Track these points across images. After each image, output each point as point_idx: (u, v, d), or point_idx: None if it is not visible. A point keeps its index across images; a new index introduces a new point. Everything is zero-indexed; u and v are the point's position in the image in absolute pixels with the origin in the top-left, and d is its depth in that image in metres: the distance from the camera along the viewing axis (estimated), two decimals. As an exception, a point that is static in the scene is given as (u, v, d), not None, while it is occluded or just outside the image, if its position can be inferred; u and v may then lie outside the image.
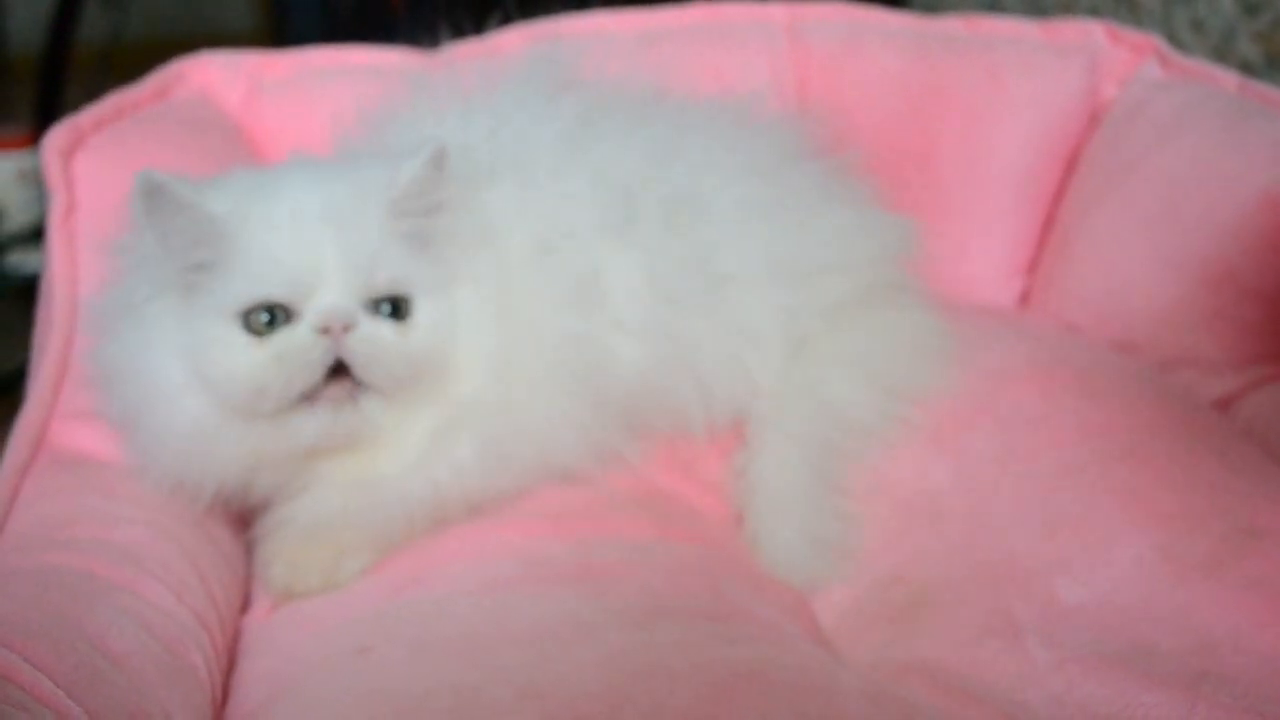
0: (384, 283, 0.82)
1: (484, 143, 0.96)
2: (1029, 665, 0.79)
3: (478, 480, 0.89)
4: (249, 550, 0.92)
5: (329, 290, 0.80)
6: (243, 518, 0.92)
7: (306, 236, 0.80)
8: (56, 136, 1.03)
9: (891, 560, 0.91)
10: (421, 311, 0.84)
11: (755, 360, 0.99)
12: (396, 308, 0.83)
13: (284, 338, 0.80)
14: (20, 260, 1.87)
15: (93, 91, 1.14)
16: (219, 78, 1.21)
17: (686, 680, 0.74)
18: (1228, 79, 1.18)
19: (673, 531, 0.92)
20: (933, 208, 1.23)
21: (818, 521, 0.92)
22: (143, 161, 1.03)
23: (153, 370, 0.83)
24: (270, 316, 0.80)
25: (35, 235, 1.83)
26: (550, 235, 0.92)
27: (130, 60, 1.93)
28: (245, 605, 0.89)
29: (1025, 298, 1.27)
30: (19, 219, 1.88)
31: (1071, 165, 1.25)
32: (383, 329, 0.82)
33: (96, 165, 1.03)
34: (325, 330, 0.80)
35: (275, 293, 0.80)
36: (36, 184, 1.82)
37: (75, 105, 1.09)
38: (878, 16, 1.28)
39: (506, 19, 1.22)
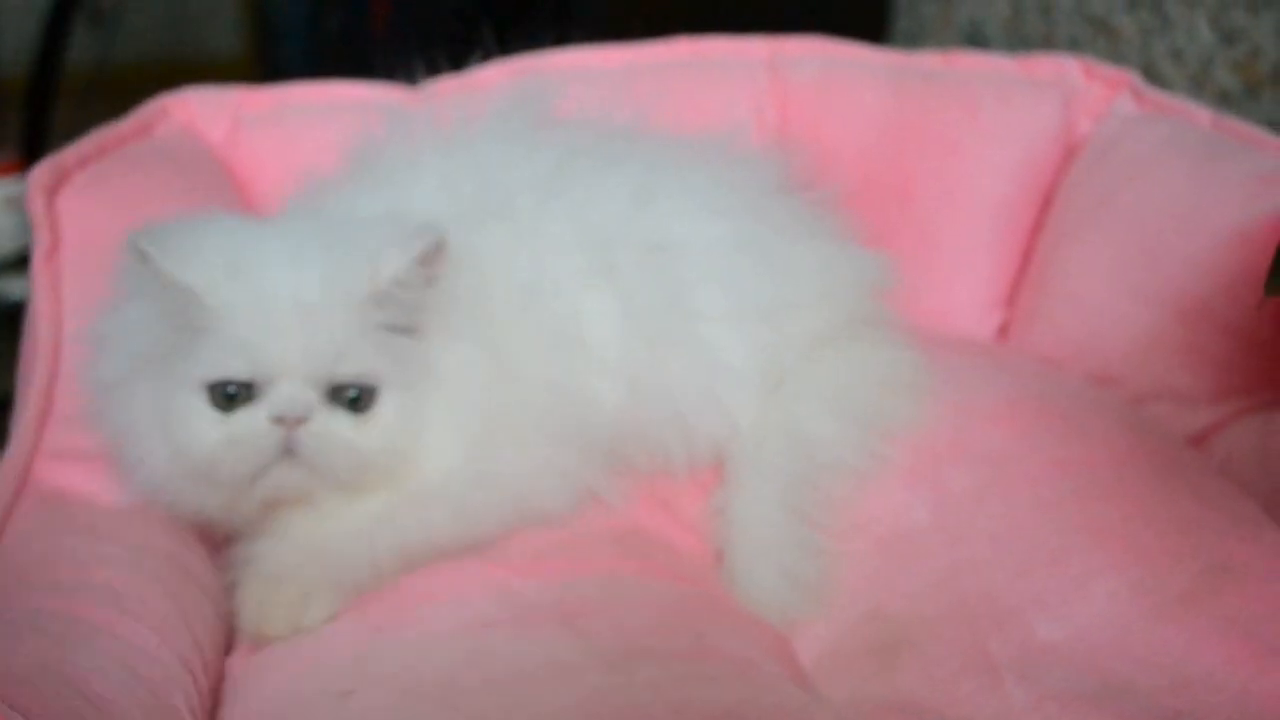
0: (348, 374, 0.82)
1: (467, 187, 0.96)
2: (1006, 704, 0.80)
3: (452, 535, 0.89)
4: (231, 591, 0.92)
5: (289, 379, 0.81)
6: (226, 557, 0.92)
7: (274, 322, 0.81)
8: (40, 174, 1.04)
9: (870, 597, 0.91)
10: (387, 404, 0.84)
11: (733, 397, 1.00)
12: (362, 396, 0.83)
13: (241, 419, 0.81)
14: (6, 287, 1.87)
15: (80, 116, 1.14)
16: (202, 113, 1.21)
17: (663, 722, 0.74)
18: (1201, 114, 1.19)
19: (652, 570, 0.92)
20: (911, 241, 1.24)
21: (795, 559, 0.93)
22: (127, 199, 1.04)
23: (132, 420, 0.85)
24: (235, 392, 0.81)
25: (21, 262, 1.83)
26: (535, 282, 0.93)
27: (118, 84, 1.93)
28: (229, 646, 0.89)
29: (1004, 330, 1.28)
30: (5, 245, 1.87)
31: (1048, 199, 1.26)
32: (339, 423, 0.82)
33: (80, 203, 1.04)
34: (279, 420, 0.81)
35: (239, 373, 0.81)
36: (22, 210, 1.82)
37: (63, 130, 1.10)
38: (857, 52, 1.29)
39: (487, 54, 1.22)
